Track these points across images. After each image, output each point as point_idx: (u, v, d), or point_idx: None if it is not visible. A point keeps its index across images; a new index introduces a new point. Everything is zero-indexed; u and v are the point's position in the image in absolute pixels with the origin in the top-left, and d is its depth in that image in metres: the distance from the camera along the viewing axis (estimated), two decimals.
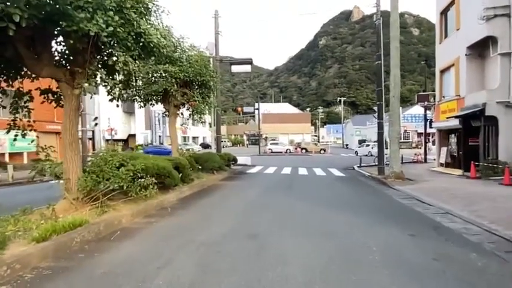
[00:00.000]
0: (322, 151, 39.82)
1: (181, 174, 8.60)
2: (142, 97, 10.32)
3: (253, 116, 79.87)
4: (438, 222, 6.05)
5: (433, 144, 41.21)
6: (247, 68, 15.67)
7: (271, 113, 68.47)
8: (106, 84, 5.94)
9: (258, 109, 36.27)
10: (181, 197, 8.05)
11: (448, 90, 15.87)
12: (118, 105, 6.85)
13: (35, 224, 4.43)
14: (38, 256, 3.70)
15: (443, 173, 15.17)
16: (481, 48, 13.22)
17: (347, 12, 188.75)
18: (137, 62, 6.14)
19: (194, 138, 63.22)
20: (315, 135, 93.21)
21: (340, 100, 69.89)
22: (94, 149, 45.44)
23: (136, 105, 10.78)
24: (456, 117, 13.79)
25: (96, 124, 21.28)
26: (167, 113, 10.98)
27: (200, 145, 52.91)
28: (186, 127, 16.00)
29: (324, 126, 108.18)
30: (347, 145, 61.39)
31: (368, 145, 37.13)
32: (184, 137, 58.94)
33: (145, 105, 10.75)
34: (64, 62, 5.79)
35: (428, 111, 24.40)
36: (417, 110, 44.44)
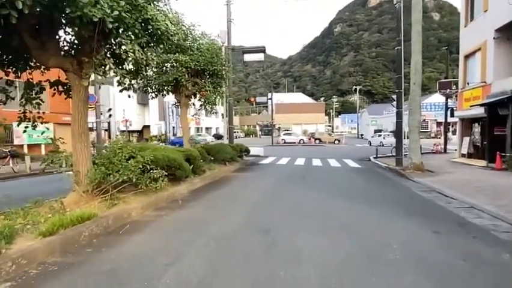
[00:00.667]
0: (336, 141, 39.08)
1: (192, 165, 8.47)
2: (153, 87, 10.17)
3: (266, 107, 79.28)
4: (463, 218, 5.65)
5: (453, 134, 39.68)
6: (260, 56, 15.26)
7: (284, 103, 67.67)
8: (115, 74, 5.77)
9: (271, 99, 35.77)
10: (192, 189, 7.93)
11: (472, 77, 14.96)
12: (129, 96, 6.71)
13: (44, 217, 4.38)
14: (44, 251, 3.63)
15: (466, 164, 14.45)
16: (510, 31, 12.28)
17: None
18: (145, 50, 5.94)
19: (207, 129, 63.50)
20: (329, 125, 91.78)
21: (356, 89, 68.06)
22: (110, 139, 46.60)
23: (149, 96, 10.67)
24: (481, 105, 13.00)
25: (110, 115, 21.62)
26: (178, 104, 10.83)
27: (213, 136, 53.05)
28: (198, 118, 15.80)
29: (339, 116, 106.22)
30: (362, 135, 60.07)
31: (380, 135, 36.34)
32: (198, 128, 59.30)
33: (156, 95, 10.63)
34: (71, 51, 5.66)
35: (449, 100, 23.35)
36: (437, 98, 42.73)
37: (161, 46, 5.98)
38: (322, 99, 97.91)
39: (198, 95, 10.88)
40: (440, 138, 38.59)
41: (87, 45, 5.23)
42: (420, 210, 6.36)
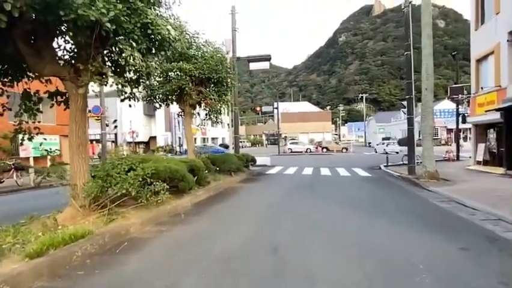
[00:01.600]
0: (344, 150, 38.44)
1: (196, 177, 8.13)
2: (157, 97, 9.95)
3: (272, 116, 79.19)
4: (491, 232, 5.14)
5: (464, 140, 38.74)
6: (265, 64, 15.05)
7: (290, 112, 67.44)
8: (114, 82, 5.51)
9: (277, 108, 35.52)
10: (195, 202, 7.55)
11: (485, 81, 14.45)
12: (130, 105, 6.45)
13: (35, 236, 4.04)
14: (30, 275, 3.27)
15: (482, 171, 13.80)
16: None
17: (368, 7, 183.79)
18: (146, 57, 5.69)
19: (213, 139, 63.44)
20: (336, 134, 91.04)
21: (362, 97, 67.55)
22: (126, 151, 46.46)
23: (153, 105, 10.45)
24: (497, 110, 12.45)
25: (116, 127, 21.56)
26: (182, 113, 10.58)
27: (219, 146, 52.93)
28: (203, 128, 15.53)
29: (345, 125, 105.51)
30: (369, 143, 59.27)
31: (383, 143, 36.70)
32: (204, 138, 59.31)
33: (161, 105, 10.42)
34: (68, 59, 5.44)
35: (459, 106, 22.75)
36: (446, 104, 42.02)
37: (163, 53, 5.72)
38: (328, 107, 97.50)
39: (202, 104, 10.63)
40: (451, 145, 37.69)
41: (83, 52, 4.99)
42: (442, 222, 5.85)
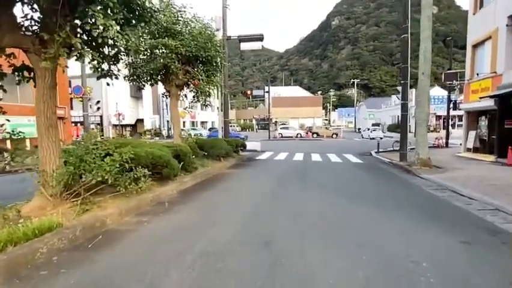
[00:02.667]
0: (334, 135, 38.38)
1: (182, 162, 7.65)
2: (140, 76, 9.22)
3: (263, 100, 78.29)
4: (491, 224, 4.91)
5: (452, 127, 39.09)
6: (257, 45, 14.33)
7: (281, 97, 66.76)
8: (87, 57, 4.87)
9: (268, 92, 34.80)
10: (181, 189, 7.10)
11: (481, 68, 14.21)
12: (108, 84, 5.81)
13: None
14: None
15: (473, 159, 13.78)
16: None
17: None
18: (125, 29, 5.04)
19: (203, 123, 62.48)
20: (326, 119, 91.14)
21: (353, 82, 67.19)
22: (102, 135, 45.47)
23: (139, 87, 9.72)
24: (491, 96, 12.27)
25: (99, 108, 20.61)
26: (168, 94, 9.92)
27: (209, 130, 52.15)
28: (190, 111, 14.85)
29: (336, 110, 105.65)
30: (359, 129, 59.48)
31: (368, 129, 37.76)
32: (193, 122, 58.26)
33: (144, 86, 9.71)
34: (34, 29, 4.75)
35: (450, 93, 22.64)
36: (436, 91, 42.12)
37: (143, 24, 5.08)
38: (319, 92, 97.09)
39: (190, 86, 9.97)
40: (439, 131, 38.04)
41: (49, 20, 4.33)
42: (439, 213, 5.61)
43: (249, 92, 31.81)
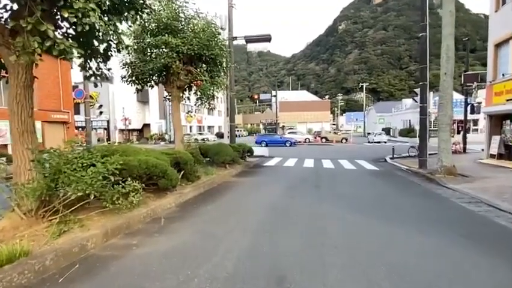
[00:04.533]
0: (344, 140, 37.26)
1: (183, 171, 6.90)
2: (139, 77, 8.54)
3: (270, 105, 77.68)
4: None
5: (467, 132, 37.63)
6: (265, 46, 13.64)
7: (288, 101, 65.96)
8: (71, 53, 4.17)
9: (275, 96, 34.06)
10: (181, 202, 6.32)
11: (505, 68, 13.21)
12: (96, 85, 5.15)
13: None
14: None
15: (498, 166, 12.71)
16: None
17: None
18: (113, 19, 4.36)
19: (209, 127, 62.04)
20: (334, 124, 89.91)
21: (362, 86, 66.00)
22: (109, 139, 44.81)
23: (134, 87, 9.04)
24: None
25: (101, 112, 20.14)
26: (169, 97, 9.22)
27: (215, 135, 51.62)
28: (194, 115, 14.13)
29: (344, 114, 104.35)
30: (368, 133, 58.23)
31: (373, 133, 39.61)
32: (200, 126, 57.84)
33: (143, 87, 9.03)
34: (3, 17, 4.09)
35: (468, 95, 21.54)
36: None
37: (133, 13, 4.37)
38: (327, 97, 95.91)
39: (193, 88, 9.26)
40: (453, 136, 36.59)
41: (23, 8, 3.65)
42: (483, 234, 4.71)
43: (256, 96, 31.16)
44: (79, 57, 4.91)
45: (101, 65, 5.25)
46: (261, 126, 71.27)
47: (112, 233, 4.24)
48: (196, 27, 8.12)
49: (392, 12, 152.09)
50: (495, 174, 10.64)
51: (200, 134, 49.35)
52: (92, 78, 5.26)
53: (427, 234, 4.52)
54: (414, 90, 13.26)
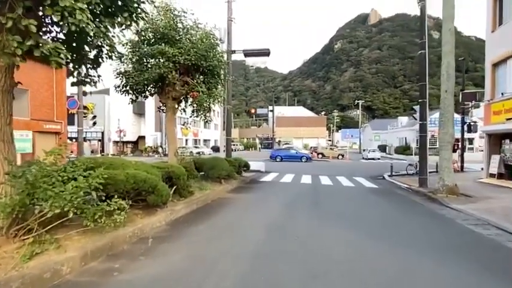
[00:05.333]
0: (340, 156, 37.10)
1: (175, 186, 6.49)
2: (133, 87, 8.22)
3: (266, 120, 77.90)
4: None
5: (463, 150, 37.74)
6: (263, 60, 13.53)
7: (285, 116, 66.21)
8: (57, 57, 3.86)
9: (272, 111, 34.00)
10: (171, 220, 5.87)
11: (503, 87, 13.20)
12: (85, 94, 4.86)
13: None
14: None
15: (499, 186, 12.46)
16: None
17: (364, 16, 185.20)
18: (104, 21, 4.09)
19: (205, 141, 61.65)
20: (330, 140, 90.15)
21: (357, 103, 66.63)
22: (103, 150, 44.02)
23: (128, 97, 8.70)
24: None
25: (95, 123, 19.72)
26: (163, 108, 8.90)
27: (211, 148, 51.16)
28: (189, 127, 13.79)
29: (339, 131, 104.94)
30: (363, 150, 58.25)
31: (367, 150, 41.17)
32: (196, 140, 57.44)
33: (137, 97, 8.72)
34: None
35: (464, 114, 21.65)
36: None
37: (127, 15, 4.10)
38: (323, 113, 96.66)
39: (189, 99, 8.96)
40: None
41: (3, 4, 3.35)
42: (498, 263, 4.35)
43: (253, 110, 31.07)
44: (67, 63, 4.61)
45: (92, 72, 4.94)
46: (257, 141, 71.18)
47: (92, 255, 3.80)
48: (194, 38, 7.91)
49: (387, 33, 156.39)
50: (497, 194, 10.36)
51: (196, 147, 48.88)
52: (88, 87, 4.95)
53: (442, 264, 4.12)
54: (413, 107, 13.16)
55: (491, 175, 14.29)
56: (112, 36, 4.36)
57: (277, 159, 30.51)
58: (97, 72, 4.90)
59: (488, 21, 14.27)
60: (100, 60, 4.86)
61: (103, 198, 4.12)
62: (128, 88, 8.30)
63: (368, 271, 3.75)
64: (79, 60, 4.66)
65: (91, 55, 4.81)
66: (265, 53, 13.36)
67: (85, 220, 3.88)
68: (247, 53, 13.39)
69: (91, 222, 3.87)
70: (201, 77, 8.27)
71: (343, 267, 3.85)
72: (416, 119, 12.91)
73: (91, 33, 3.75)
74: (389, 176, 16.46)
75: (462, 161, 21.52)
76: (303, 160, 30.41)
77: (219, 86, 8.91)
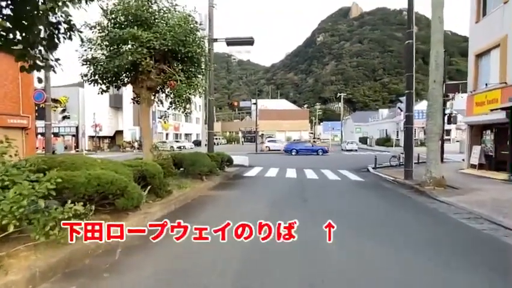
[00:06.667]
0: None
1: (150, 186, 5.82)
2: (103, 76, 7.32)
3: (249, 113, 77.17)
4: None
5: (443, 141, 38.91)
6: (247, 49, 12.83)
7: (268, 109, 65.76)
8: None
9: (255, 104, 33.37)
10: (145, 224, 5.22)
11: (485, 78, 13.25)
12: (40, 81, 4.09)
13: None
14: None
15: (482, 176, 12.56)
16: None
17: (346, 9, 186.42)
18: None
19: (187, 135, 60.28)
20: (312, 133, 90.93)
21: (340, 96, 67.14)
22: (77, 146, 41.76)
23: (98, 88, 7.77)
24: (504, 108, 11.18)
25: (65, 117, 18.40)
26: (137, 99, 8.07)
27: (193, 142, 50.00)
28: (166, 120, 12.97)
29: (321, 124, 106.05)
30: (342, 143, 58.99)
31: (346, 142, 43.97)
32: (177, 134, 55.94)
33: (108, 87, 7.84)
34: None
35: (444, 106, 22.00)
36: (423, 105, 42.10)
37: None
38: (305, 106, 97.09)
39: (166, 90, 8.18)
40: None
41: None
42: (495, 258, 4.07)
43: (235, 103, 30.34)
44: (15, 43, 3.83)
45: (49, 56, 4.16)
46: (240, 134, 70.47)
47: (42, 275, 3.11)
48: (171, 21, 7.07)
49: (367, 27, 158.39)
50: (482, 185, 10.34)
51: (177, 141, 47.58)
52: (60, 79, 4.16)
53: (448, 266, 3.75)
54: (399, 98, 12.97)
55: (472, 166, 14.45)
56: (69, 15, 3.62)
57: (293, 153, 30.19)
58: (52, 55, 4.12)
59: (472, 12, 14.24)
60: (57, 40, 4.08)
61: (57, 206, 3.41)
62: (97, 77, 7.41)
63: (373, 277, 3.30)
64: (30, 40, 3.87)
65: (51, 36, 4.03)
66: (249, 41, 12.66)
67: (33, 233, 3.17)
68: (230, 42, 12.63)
69: (41, 235, 3.17)
70: (180, 65, 7.47)
71: (341, 272, 3.38)
72: (401, 110, 12.77)
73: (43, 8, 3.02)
74: (373, 168, 16.37)
75: (442, 152, 21.88)
76: (320, 153, 30.58)
77: (200, 76, 8.15)
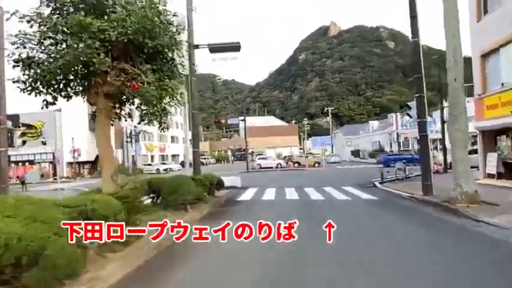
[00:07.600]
0: (316, 164, 35.61)
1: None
2: (42, 81, 5.43)
3: (237, 131, 75.63)
4: None
5: (435, 150, 38.14)
6: (233, 56, 11.32)
7: (256, 126, 64.52)
8: None
9: (244, 120, 31.78)
10: None
11: (496, 79, 12.13)
12: None
13: None
14: None
15: (504, 187, 11.14)
16: None
17: (324, 28, 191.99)
18: None
19: (174, 156, 57.79)
20: (301, 148, 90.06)
21: (327, 111, 66.79)
22: (55, 174, 38.66)
23: (41, 97, 5.84)
24: None
25: (24, 142, 16.11)
26: (94, 110, 6.16)
27: (180, 164, 47.56)
28: (142, 141, 11.02)
29: (309, 139, 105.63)
30: (327, 156, 57.84)
31: (329, 155, 46.12)
32: (163, 155, 53.38)
33: (55, 98, 5.92)
34: None
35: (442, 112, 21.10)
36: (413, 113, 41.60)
37: None
38: (293, 122, 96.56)
39: (134, 99, 6.35)
40: (434, 155, 36.70)
41: None
42: None
43: (223, 121, 28.72)
44: None
45: None
46: (229, 153, 68.43)
47: None
48: (129, 6, 5.25)
49: (347, 44, 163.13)
50: None
51: (163, 163, 45.14)
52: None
53: None
54: (407, 103, 11.60)
55: (490, 175, 13.07)
56: None
57: (391, 165, 23.95)
58: None
59: (471, 11, 13.34)
60: None
61: None
62: (38, 84, 5.52)
63: None
64: None
65: None
66: (235, 47, 11.12)
67: None
68: (214, 48, 11.06)
69: None
70: (148, 64, 5.66)
71: None
72: (411, 117, 11.36)
73: None
74: (380, 183, 14.75)
75: (445, 162, 20.61)
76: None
77: (175, 77, 6.33)
